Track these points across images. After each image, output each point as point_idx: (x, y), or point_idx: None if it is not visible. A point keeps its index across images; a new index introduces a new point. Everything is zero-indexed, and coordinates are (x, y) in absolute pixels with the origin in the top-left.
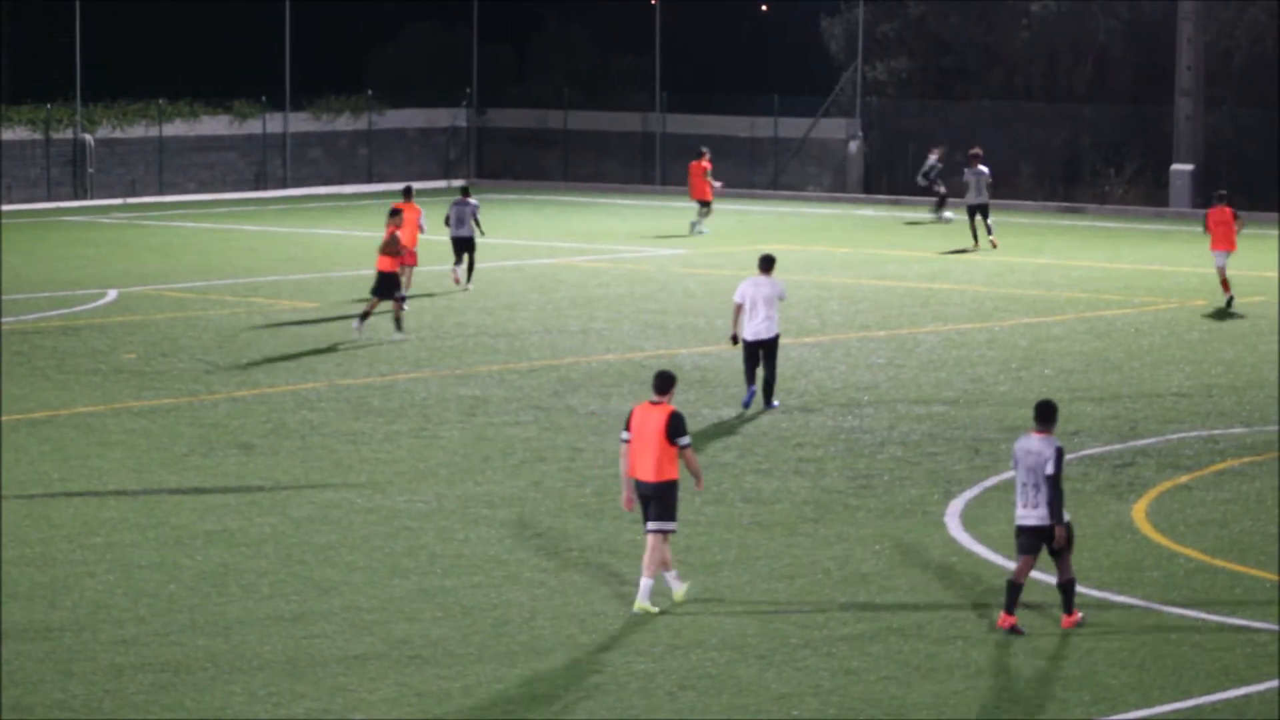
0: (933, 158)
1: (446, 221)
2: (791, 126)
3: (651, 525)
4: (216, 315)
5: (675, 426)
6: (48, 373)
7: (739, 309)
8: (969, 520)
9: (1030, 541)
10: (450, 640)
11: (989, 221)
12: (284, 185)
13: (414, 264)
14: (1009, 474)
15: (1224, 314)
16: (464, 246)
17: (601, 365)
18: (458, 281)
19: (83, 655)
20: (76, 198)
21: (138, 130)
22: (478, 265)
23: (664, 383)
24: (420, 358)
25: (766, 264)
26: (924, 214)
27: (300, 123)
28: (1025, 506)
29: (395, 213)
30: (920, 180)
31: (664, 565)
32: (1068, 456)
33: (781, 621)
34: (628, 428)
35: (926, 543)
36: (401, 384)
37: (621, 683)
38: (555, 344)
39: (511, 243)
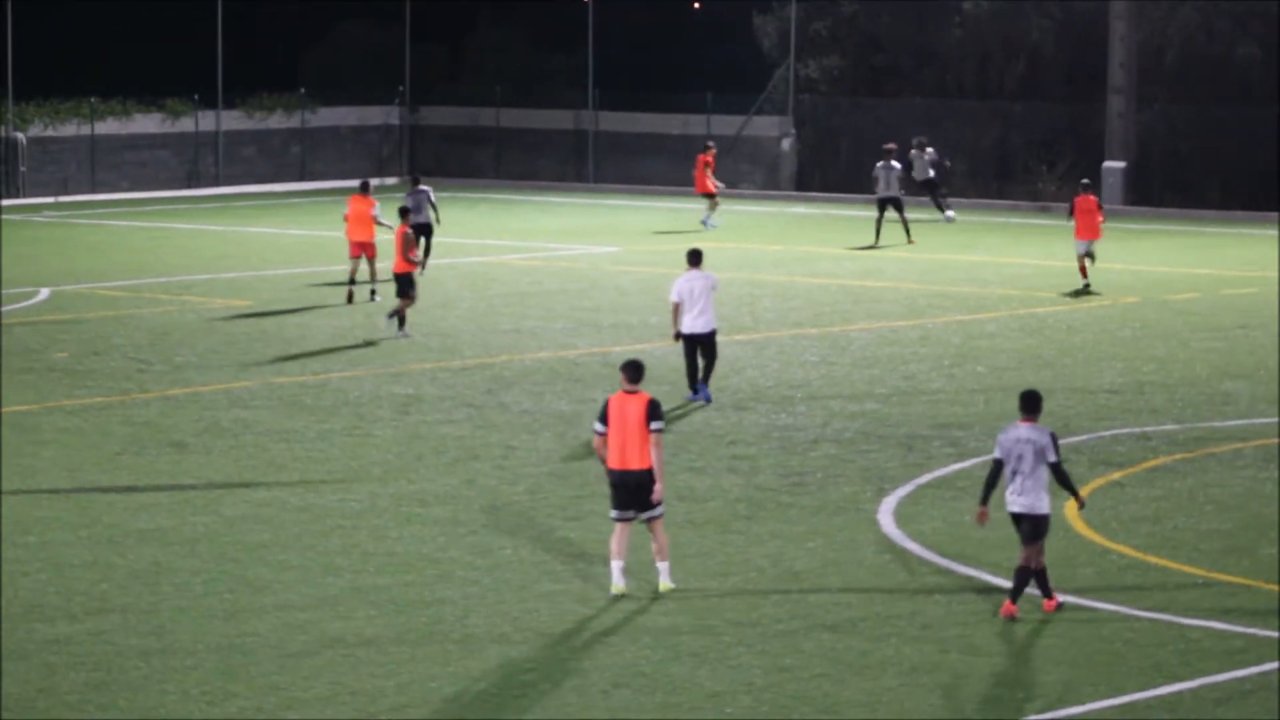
0: (929, 153)
1: (404, 212)
2: (724, 124)
3: (648, 514)
4: (149, 314)
5: (654, 411)
6: None
7: (677, 307)
8: (902, 517)
9: (1031, 528)
10: (384, 638)
11: (905, 216)
12: (217, 183)
13: (374, 256)
14: (942, 471)
15: (1082, 295)
16: (421, 232)
17: (535, 363)
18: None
19: (16, 654)
20: (8, 196)
21: (69, 129)
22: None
23: (636, 371)
24: (353, 356)
25: (695, 258)
26: (859, 210)
27: (233, 121)
28: (1019, 495)
29: (404, 211)
30: (919, 176)
31: (662, 553)
32: (996, 454)
33: (714, 619)
34: (604, 420)
35: (859, 540)
36: (335, 382)
37: (555, 680)
38: (488, 342)
39: (444, 240)
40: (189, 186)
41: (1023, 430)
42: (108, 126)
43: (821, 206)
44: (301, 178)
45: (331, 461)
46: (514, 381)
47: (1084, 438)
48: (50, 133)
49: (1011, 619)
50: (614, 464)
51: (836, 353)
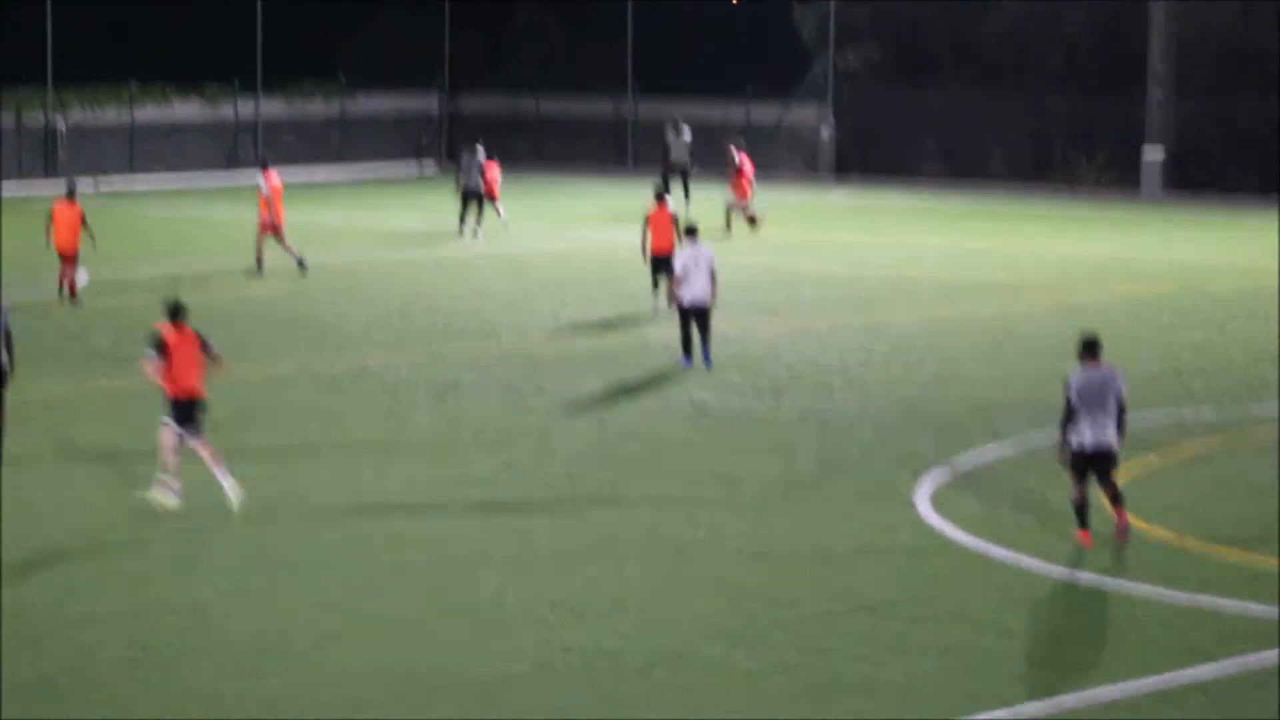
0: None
1: (458, 172)
2: (764, 112)
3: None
4: (190, 297)
5: (205, 344)
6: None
7: (676, 281)
8: (939, 501)
9: (1105, 465)
10: (419, 618)
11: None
12: (256, 169)
13: (276, 234)
14: (979, 455)
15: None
16: (472, 197)
17: (572, 349)
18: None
19: (50, 632)
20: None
21: (109, 115)
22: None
23: (176, 311)
24: (391, 342)
25: (691, 233)
26: (898, 199)
27: (272, 108)
28: (1090, 431)
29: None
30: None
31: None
32: (1046, 438)
33: (751, 600)
34: (162, 351)
35: (896, 523)
36: (372, 368)
37: (590, 661)
38: (526, 328)
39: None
40: (228, 173)
41: (1094, 373)
42: (146, 113)
43: (860, 195)
44: (340, 163)
45: (368, 446)
46: (552, 367)
47: None
48: (89, 119)
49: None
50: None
51: (875, 340)
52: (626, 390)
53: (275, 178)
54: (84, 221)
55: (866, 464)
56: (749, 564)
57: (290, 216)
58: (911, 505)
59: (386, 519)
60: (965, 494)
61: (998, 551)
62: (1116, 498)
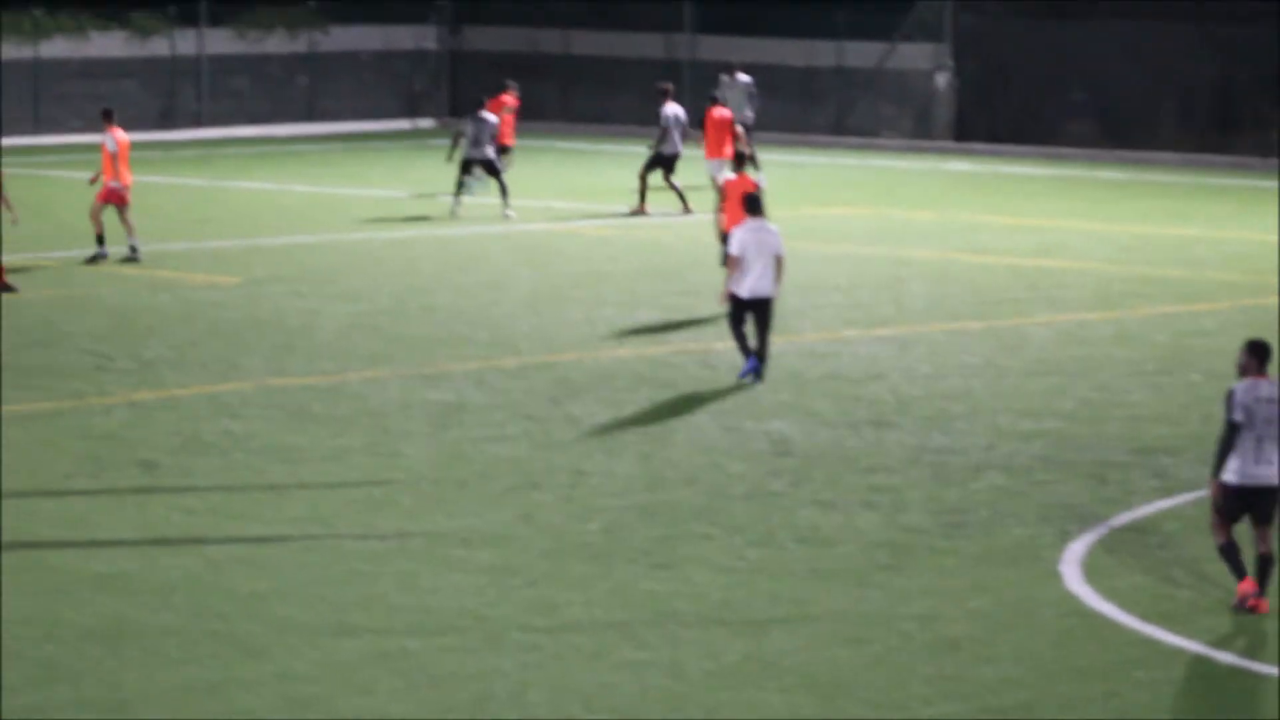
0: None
1: (455, 142)
2: (861, 53)
3: None
4: (110, 294)
5: None
6: None
7: (735, 262)
8: (1092, 570)
9: (1269, 505)
10: None
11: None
12: (198, 124)
13: (121, 204)
14: (1144, 509)
15: None
16: (484, 169)
17: (612, 363)
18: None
19: None
20: None
21: (6, 51)
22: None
23: None
24: (376, 351)
25: (754, 205)
26: (1036, 167)
27: (220, 42)
28: (1257, 465)
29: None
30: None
31: None
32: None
33: (845, 698)
34: None
35: (1037, 599)
36: (352, 385)
37: None
38: (552, 335)
39: (494, 201)
40: (162, 128)
41: (1265, 387)
42: (55, 48)
43: (987, 162)
44: (309, 117)
45: (348, 488)
46: (585, 387)
47: None
48: None
49: (1254, 610)
50: None
51: (1006, 354)
52: (682, 418)
53: (121, 133)
54: None
55: (996, 520)
56: (842, 651)
57: (244, 185)
58: (1056, 574)
59: (370, 587)
60: (1125, 560)
61: (1169, 638)
62: (1269, 562)
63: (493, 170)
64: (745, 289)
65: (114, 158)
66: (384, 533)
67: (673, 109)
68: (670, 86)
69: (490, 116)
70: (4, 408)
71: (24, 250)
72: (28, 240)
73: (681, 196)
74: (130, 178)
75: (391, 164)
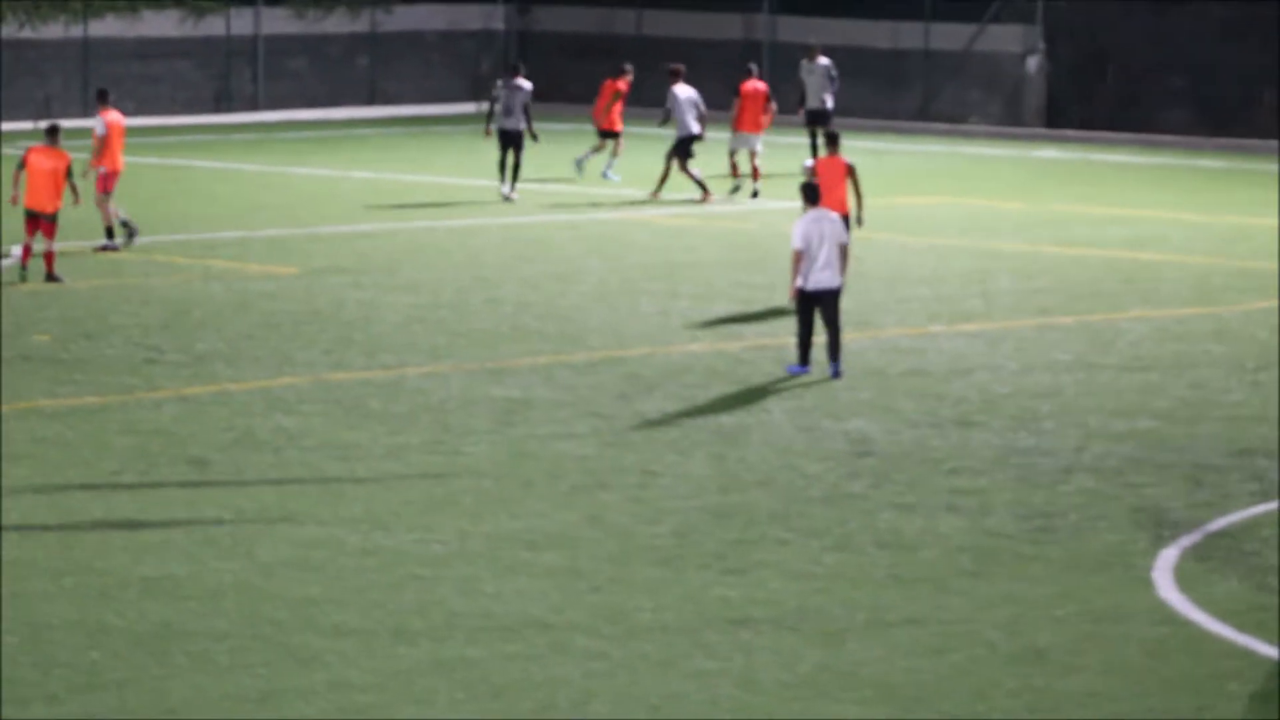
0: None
1: (490, 110)
2: (948, 35)
3: None
4: (161, 284)
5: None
6: None
7: (799, 255)
8: (1186, 577)
9: None
10: None
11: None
12: (255, 107)
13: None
14: (1242, 513)
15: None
16: (509, 142)
17: (685, 358)
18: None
19: None
20: None
21: (54, 30)
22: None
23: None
24: (438, 345)
25: (812, 194)
26: (1131, 155)
27: (278, 22)
28: None
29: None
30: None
31: None
32: None
33: (926, 711)
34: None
35: (1127, 607)
36: (412, 380)
37: None
38: (622, 329)
39: (563, 189)
40: (216, 111)
41: None
42: (106, 27)
43: (1079, 150)
44: (370, 101)
45: (407, 488)
46: (656, 383)
47: None
48: (28, 34)
49: None
50: None
51: (1099, 350)
52: (758, 417)
53: (115, 114)
54: (69, 173)
55: (1086, 525)
56: (923, 661)
57: (302, 171)
58: (1147, 582)
59: (430, 592)
60: (1223, 568)
61: (1265, 648)
62: None
63: (516, 144)
64: (810, 281)
65: (102, 141)
66: (444, 535)
67: (685, 91)
68: (681, 68)
69: (524, 83)
70: (50, 401)
71: (72, 238)
72: (74, 227)
73: (700, 184)
74: (122, 163)
75: (456, 149)
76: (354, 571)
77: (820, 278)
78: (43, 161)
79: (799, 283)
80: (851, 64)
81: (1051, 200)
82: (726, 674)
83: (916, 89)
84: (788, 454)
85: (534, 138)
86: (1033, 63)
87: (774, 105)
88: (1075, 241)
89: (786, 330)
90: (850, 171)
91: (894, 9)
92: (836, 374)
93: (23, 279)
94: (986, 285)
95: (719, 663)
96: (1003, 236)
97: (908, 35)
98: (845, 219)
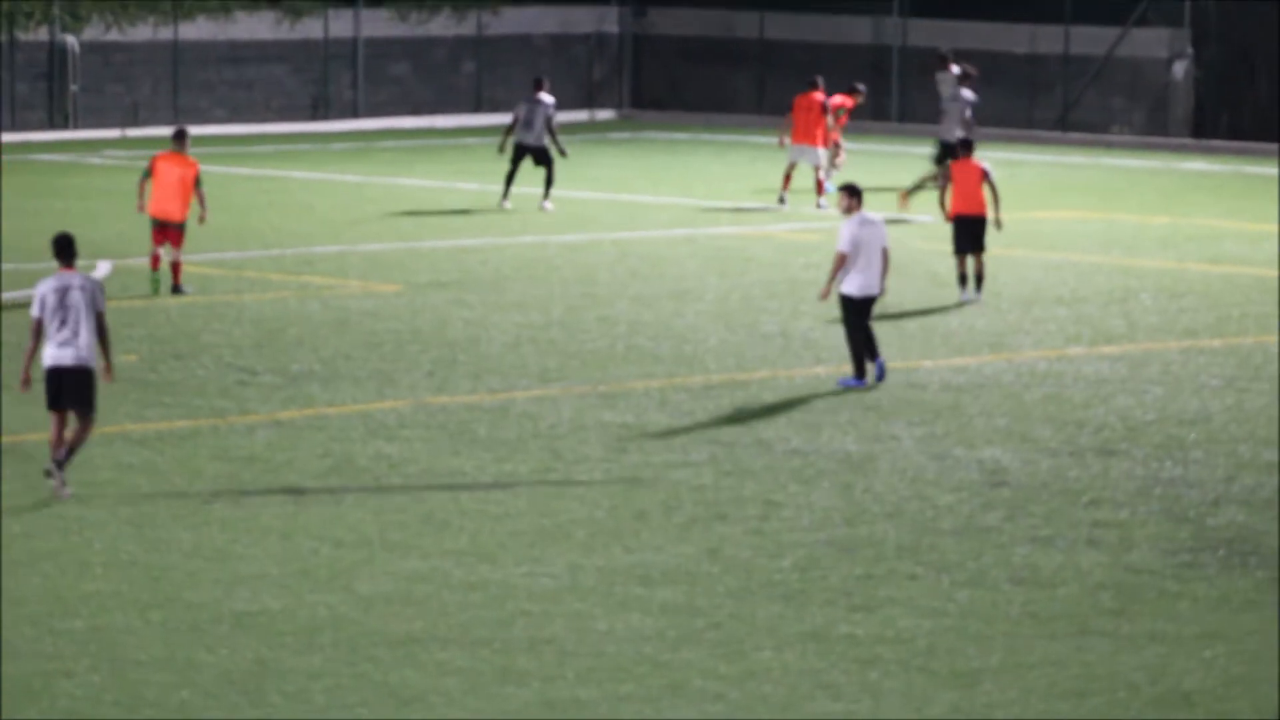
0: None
1: (512, 124)
2: (1090, 39)
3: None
4: (256, 301)
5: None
6: (7, 379)
7: (843, 259)
8: None
9: None
10: None
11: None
12: (354, 115)
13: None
14: None
15: None
16: (536, 159)
17: (808, 382)
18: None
19: None
20: (53, 127)
21: (142, 32)
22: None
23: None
24: (548, 368)
25: (857, 195)
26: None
27: (379, 25)
28: None
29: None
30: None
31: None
32: None
33: None
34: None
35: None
36: (520, 404)
37: None
38: (743, 351)
39: (680, 202)
40: (314, 119)
41: None
42: (197, 29)
43: (1228, 162)
44: (476, 108)
45: (515, 518)
46: (778, 408)
47: None
48: (115, 36)
49: None
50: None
51: (1250, 374)
52: (886, 444)
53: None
54: (198, 182)
55: (1235, 560)
56: (1061, 704)
57: (404, 182)
58: None
59: (539, 629)
60: None
61: None
62: None
63: (544, 159)
64: (857, 287)
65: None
66: (554, 568)
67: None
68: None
69: (547, 98)
70: (137, 426)
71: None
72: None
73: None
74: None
75: (567, 160)
76: (458, 607)
77: (868, 284)
78: (170, 168)
79: (844, 288)
80: (987, 70)
81: (1199, 215)
82: (853, 717)
83: (1055, 96)
84: (918, 484)
85: (562, 153)
86: (1179, 68)
87: (831, 115)
88: (1224, 259)
89: (916, 352)
90: (985, 176)
91: (1032, 11)
92: (882, 374)
93: (155, 289)
94: (1129, 305)
95: (845, 705)
96: (1147, 253)
97: (1046, 39)
98: (983, 222)
